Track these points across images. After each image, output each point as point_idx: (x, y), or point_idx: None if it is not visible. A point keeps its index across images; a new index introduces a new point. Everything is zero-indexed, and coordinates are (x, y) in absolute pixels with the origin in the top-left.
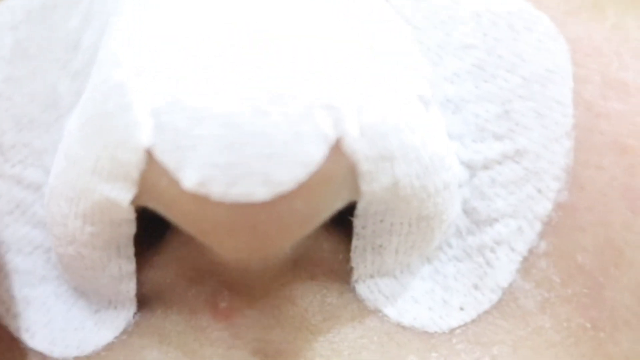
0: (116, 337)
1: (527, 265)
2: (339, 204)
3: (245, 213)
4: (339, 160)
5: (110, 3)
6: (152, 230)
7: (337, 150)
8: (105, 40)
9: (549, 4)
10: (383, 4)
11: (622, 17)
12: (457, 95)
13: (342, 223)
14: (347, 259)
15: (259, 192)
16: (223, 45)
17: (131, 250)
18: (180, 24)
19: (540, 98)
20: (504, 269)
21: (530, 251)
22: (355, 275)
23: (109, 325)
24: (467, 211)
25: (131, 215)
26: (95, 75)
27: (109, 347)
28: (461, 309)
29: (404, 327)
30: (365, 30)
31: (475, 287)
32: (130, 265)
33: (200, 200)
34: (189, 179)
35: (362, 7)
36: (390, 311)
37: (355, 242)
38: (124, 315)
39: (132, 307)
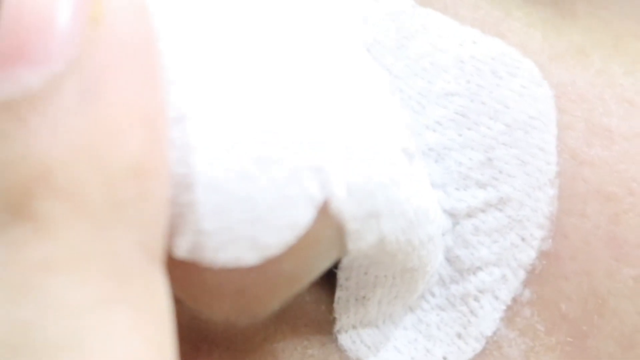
0: None
1: (511, 314)
2: (327, 264)
3: (235, 277)
4: (326, 222)
5: None
6: None
7: (324, 211)
8: None
9: (534, 48)
10: (362, 54)
11: (607, 62)
12: (439, 144)
13: (324, 274)
14: (330, 310)
15: (248, 256)
16: (208, 107)
17: None
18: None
19: (524, 145)
20: (488, 317)
21: (514, 300)
22: (337, 326)
23: None
24: (450, 259)
25: None
26: None
27: None
28: (444, 358)
29: None
30: (347, 83)
31: (459, 336)
32: None
33: (190, 267)
34: (180, 246)
35: (341, 58)
36: None
37: (338, 293)
38: None
39: None
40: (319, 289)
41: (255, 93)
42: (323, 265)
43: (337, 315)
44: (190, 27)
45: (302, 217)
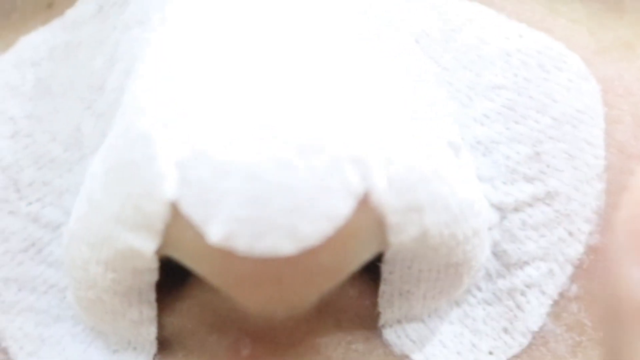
0: None
1: (557, 309)
2: (366, 257)
3: (271, 267)
4: (366, 214)
5: (135, 47)
6: (174, 275)
7: (364, 203)
8: (130, 86)
9: (580, 43)
10: (412, 45)
11: None
12: (487, 137)
13: (368, 268)
14: (374, 304)
15: (285, 246)
16: (249, 95)
17: (153, 295)
18: (206, 73)
19: (571, 139)
20: (535, 312)
21: (561, 294)
22: (382, 320)
23: None
24: (497, 254)
25: (154, 264)
26: (119, 122)
27: None
28: (490, 353)
29: None
30: (393, 74)
31: (505, 330)
32: (151, 311)
33: (226, 254)
34: (215, 233)
35: (390, 49)
36: (418, 356)
37: (382, 287)
38: (144, 357)
39: (153, 349)
40: (363, 283)
41: (300, 81)
42: (362, 258)
43: (381, 310)
44: (232, 14)
45: (341, 209)
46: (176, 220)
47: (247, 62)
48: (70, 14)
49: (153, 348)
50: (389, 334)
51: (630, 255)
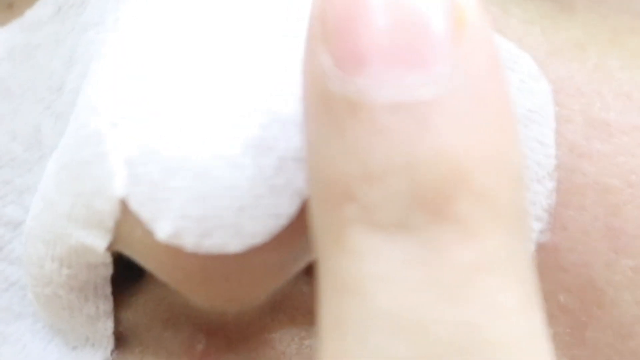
0: None
1: None
2: (312, 255)
3: (218, 264)
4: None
5: (92, 48)
6: (130, 270)
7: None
8: (85, 86)
9: (532, 43)
10: None
11: (604, 57)
12: None
13: None
14: None
15: (232, 244)
16: (199, 94)
17: (108, 289)
18: (157, 72)
19: (523, 139)
20: None
21: None
22: None
23: None
24: None
25: (108, 259)
26: (73, 121)
27: None
28: None
29: None
30: None
31: None
32: (107, 305)
33: (174, 252)
34: (163, 230)
35: None
36: None
37: None
38: (102, 352)
39: (110, 345)
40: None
41: (249, 80)
42: (308, 257)
43: None
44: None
45: (287, 208)
46: (126, 217)
47: (197, 61)
48: (30, 14)
49: (110, 344)
50: None
51: (321, 43)
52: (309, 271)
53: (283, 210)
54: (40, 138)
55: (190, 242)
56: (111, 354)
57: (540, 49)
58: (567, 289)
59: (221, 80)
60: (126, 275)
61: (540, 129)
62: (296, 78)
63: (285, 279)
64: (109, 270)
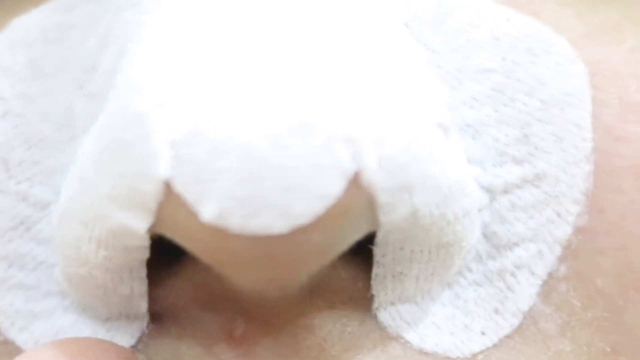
0: (132, 346)
1: (547, 289)
2: (357, 236)
3: (263, 245)
4: (357, 193)
5: (129, 28)
6: (168, 252)
7: (355, 183)
8: (125, 67)
9: (567, 26)
10: (401, 28)
11: None
12: (476, 120)
13: (359, 250)
14: (366, 287)
15: (277, 224)
16: (244, 75)
17: (144, 272)
18: (201, 53)
19: (559, 122)
20: (525, 293)
21: (550, 275)
22: (376, 302)
23: (122, 332)
24: (487, 235)
25: (146, 242)
26: (113, 101)
27: None
28: (482, 333)
29: (426, 353)
30: (384, 56)
31: (496, 311)
32: (142, 286)
33: (219, 233)
34: (208, 211)
35: (380, 33)
36: (412, 337)
37: (375, 270)
38: (137, 325)
39: (145, 319)
40: (355, 265)
41: (294, 62)
42: (353, 237)
43: (374, 292)
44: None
45: (332, 188)
46: (169, 198)
47: (241, 43)
48: None
49: (145, 319)
50: (384, 316)
51: None
52: (347, 256)
53: (329, 191)
54: (72, 118)
55: (235, 223)
56: (147, 327)
57: (575, 32)
58: (604, 272)
59: (267, 61)
60: (165, 258)
61: (577, 112)
62: (342, 61)
63: (328, 261)
64: (145, 254)
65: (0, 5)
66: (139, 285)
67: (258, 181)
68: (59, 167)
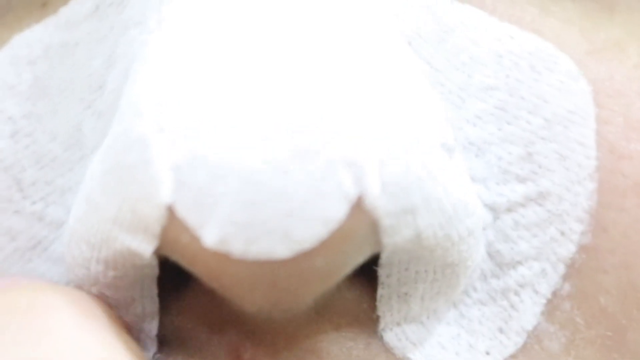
0: None
1: (551, 308)
2: (360, 259)
3: (266, 270)
4: (360, 217)
5: (134, 48)
6: (176, 274)
7: (358, 207)
8: (128, 88)
9: (571, 43)
10: (403, 46)
11: None
12: (479, 138)
13: (364, 271)
14: (372, 308)
15: (279, 249)
16: (245, 99)
17: (154, 290)
18: (202, 77)
19: (563, 140)
20: (529, 311)
21: (554, 293)
22: (382, 323)
23: None
24: (491, 254)
25: (154, 262)
26: (116, 124)
27: None
28: (487, 353)
29: None
30: (386, 76)
31: (501, 330)
32: (153, 305)
33: (221, 257)
34: (210, 236)
35: (382, 52)
36: (418, 358)
37: (380, 291)
38: (145, 355)
39: (153, 347)
40: (360, 286)
41: (294, 85)
42: (356, 261)
43: (380, 313)
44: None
45: (335, 213)
46: (172, 223)
47: (243, 66)
48: (65, 12)
49: (154, 346)
50: (390, 337)
51: None
52: (352, 277)
53: (331, 216)
54: (80, 138)
55: (237, 248)
56: (154, 357)
57: (579, 49)
58: (608, 290)
59: (268, 84)
60: (172, 280)
61: (581, 130)
62: (343, 83)
63: (332, 284)
64: (155, 271)
65: (1, 22)
66: (151, 304)
67: (259, 206)
68: (71, 187)
